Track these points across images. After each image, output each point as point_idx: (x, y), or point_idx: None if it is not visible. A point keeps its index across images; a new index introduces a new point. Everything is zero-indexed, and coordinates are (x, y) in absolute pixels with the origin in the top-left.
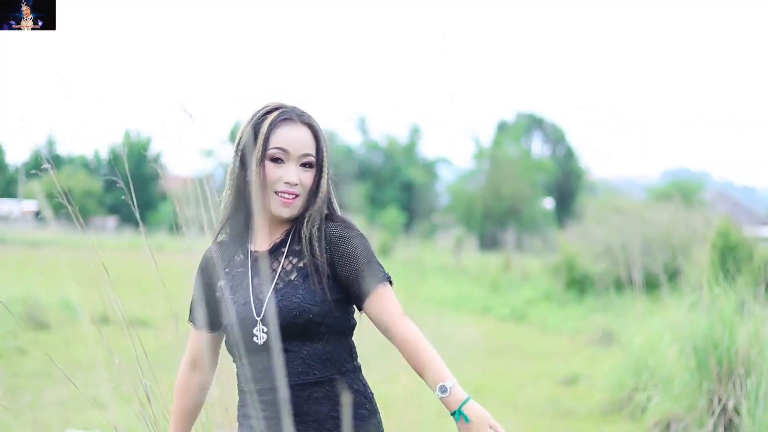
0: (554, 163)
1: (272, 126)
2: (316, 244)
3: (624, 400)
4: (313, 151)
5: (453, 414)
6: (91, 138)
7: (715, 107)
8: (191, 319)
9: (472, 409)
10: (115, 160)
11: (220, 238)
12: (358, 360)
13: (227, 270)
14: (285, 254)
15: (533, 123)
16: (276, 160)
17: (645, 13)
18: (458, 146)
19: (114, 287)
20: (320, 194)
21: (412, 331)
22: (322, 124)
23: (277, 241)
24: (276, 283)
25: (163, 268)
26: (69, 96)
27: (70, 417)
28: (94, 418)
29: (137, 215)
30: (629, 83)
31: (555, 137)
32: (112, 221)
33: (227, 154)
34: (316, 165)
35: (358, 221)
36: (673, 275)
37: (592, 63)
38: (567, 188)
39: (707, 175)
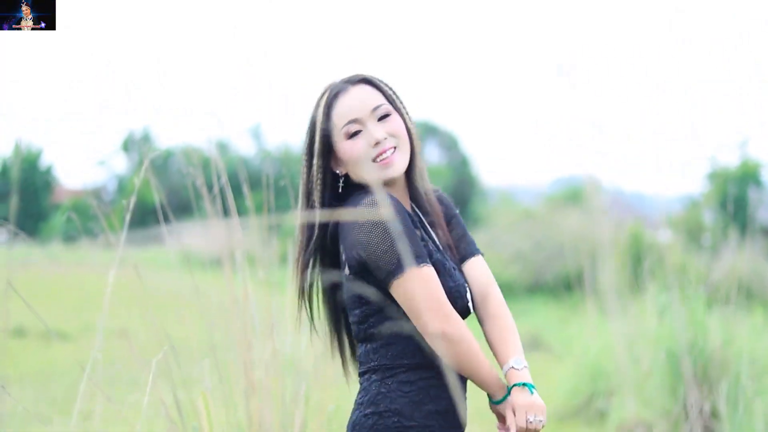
0: (450, 171)
1: (328, 108)
2: (441, 215)
3: (580, 406)
4: (382, 100)
5: (517, 385)
6: None
7: (602, 116)
8: (419, 260)
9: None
10: (4, 171)
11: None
12: None
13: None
14: (423, 219)
15: (427, 131)
16: (353, 135)
17: (536, 17)
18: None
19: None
20: (414, 139)
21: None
22: (214, 133)
23: (410, 204)
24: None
25: (63, 279)
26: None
27: None
28: None
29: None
30: (517, 90)
31: (449, 144)
32: (2, 233)
33: (120, 165)
34: (396, 110)
35: (257, 230)
36: (582, 280)
37: (482, 70)
38: (461, 195)
39: (598, 182)
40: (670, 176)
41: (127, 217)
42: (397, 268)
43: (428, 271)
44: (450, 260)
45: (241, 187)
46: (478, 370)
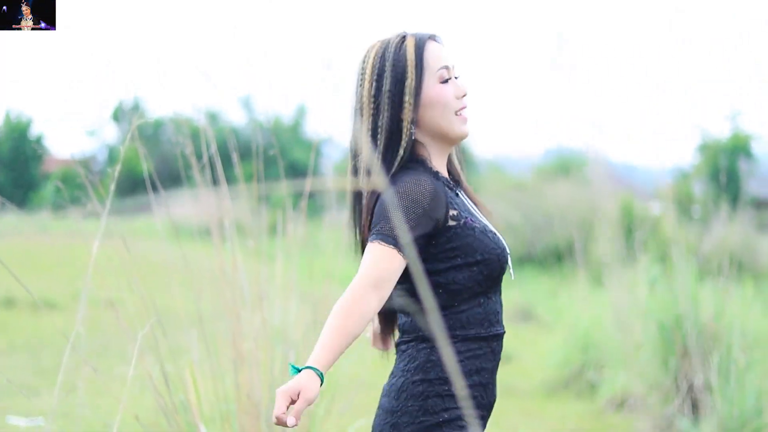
0: None
1: (420, 50)
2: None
3: (570, 377)
4: None
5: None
6: None
7: (594, 86)
8: (397, 242)
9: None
10: None
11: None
12: None
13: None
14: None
15: None
16: (444, 81)
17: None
18: (344, 125)
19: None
20: None
21: None
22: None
23: (449, 171)
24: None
25: (53, 249)
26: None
27: (6, 405)
28: (29, 405)
29: None
30: (508, 61)
31: None
32: None
33: (110, 134)
34: None
35: (247, 200)
36: (573, 251)
37: (473, 40)
38: None
39: (597, 153)
40: (661, 148)
41: (112, 186)
42: (387, 237)
43: (401, 259)
44: (491, 224)
45: (230, 156)
46: (334, 330)
